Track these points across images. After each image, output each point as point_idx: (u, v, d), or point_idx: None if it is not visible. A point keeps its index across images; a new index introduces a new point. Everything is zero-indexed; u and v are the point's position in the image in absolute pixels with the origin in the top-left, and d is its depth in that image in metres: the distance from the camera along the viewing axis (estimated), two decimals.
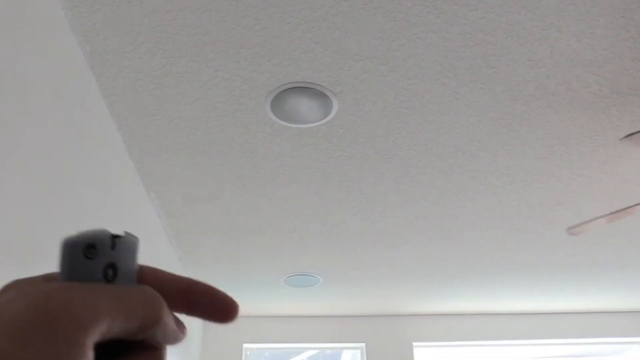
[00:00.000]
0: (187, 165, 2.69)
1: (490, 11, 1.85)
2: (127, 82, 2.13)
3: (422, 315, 5.28)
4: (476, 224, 3.37)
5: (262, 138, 2.49)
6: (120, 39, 1.93)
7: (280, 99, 2.21)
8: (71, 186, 1.92)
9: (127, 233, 0.35)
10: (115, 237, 0.34)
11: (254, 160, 2.66)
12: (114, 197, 2.43)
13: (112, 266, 0.33)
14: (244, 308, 4.98)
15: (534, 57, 2.05)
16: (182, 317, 0.39)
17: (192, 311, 0.36)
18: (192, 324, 4.50)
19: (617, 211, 2.57)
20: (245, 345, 5.12)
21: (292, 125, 2.40)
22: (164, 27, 1.89)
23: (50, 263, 1.74)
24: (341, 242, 3.60)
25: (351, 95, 2.22)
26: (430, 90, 2.21)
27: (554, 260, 3.97)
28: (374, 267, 4.05)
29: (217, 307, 0.36)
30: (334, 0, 1.80)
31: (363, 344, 5.19)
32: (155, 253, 3.23)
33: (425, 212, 3.20)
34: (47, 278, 0.33)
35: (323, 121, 2.36)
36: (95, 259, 0.33)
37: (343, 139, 2.50)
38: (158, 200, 3.03)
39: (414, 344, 5.18)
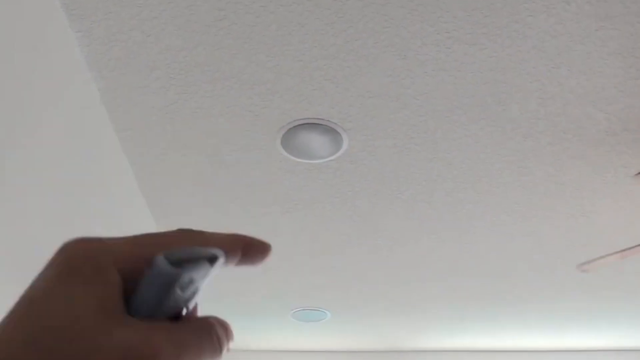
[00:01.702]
0: (197, 199, 2.69)
1: (500, 50, 1.87)
2: (139, 117, 2.16)
3: (430, 351, 5.20)
4: (486, 260, 3.35)
5: (273, 173, 2.50)
6: (134, 74, 1.96)
7: (291, 135, 2.22)
8: (82, 220, 1.93)
9: (218, 251, 0.30)
10: (212, 260, 0.29)
11: (264, 195, 2.66)
12: (125, 230, 2.43)
13: (195, 290, 0.29)
14: (251, 342, 4.93)
15: (544, 94, 2.06)
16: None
17: (239, 263, 0.37)
18: None
19: (630, 248, 2.54)
20: None
21: (303, 161, 2.41)
22: (178, 64, 1.92)
23: None
24: (350, 277, 3.58)
25: (361, 131, 2.23)
26: (440, 127, 2.22)
27: (564, 295, 3.92)
28: (382, 302, 4.01)
29: (255, 255, 0.37)
30: (345, 39, 1.83)
31: None
32: None
33: (435, 247, 3.18)
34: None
35: (333, 157, 2.37)
36: (187, 290, 0.28)
37: (353, 174, 2.51)
38: None
39: None
